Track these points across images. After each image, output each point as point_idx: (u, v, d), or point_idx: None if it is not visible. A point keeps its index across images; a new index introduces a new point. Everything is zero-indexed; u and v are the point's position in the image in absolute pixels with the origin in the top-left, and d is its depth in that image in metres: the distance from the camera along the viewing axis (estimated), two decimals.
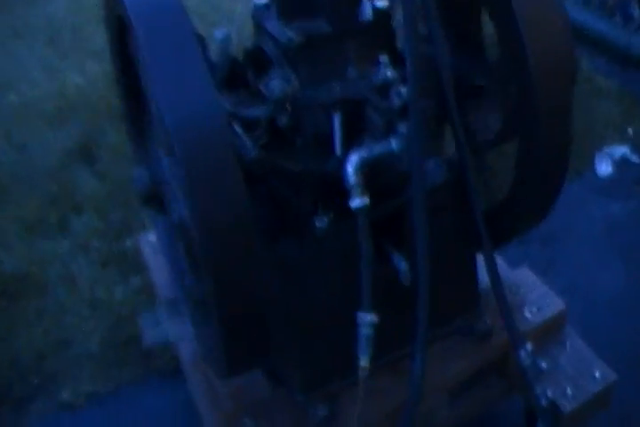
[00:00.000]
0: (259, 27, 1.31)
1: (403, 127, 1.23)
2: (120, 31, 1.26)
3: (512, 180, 1.39)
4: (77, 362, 2.09)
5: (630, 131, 2.73)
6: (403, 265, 1.33)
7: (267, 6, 1.30)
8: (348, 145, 1.26)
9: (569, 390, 1.54)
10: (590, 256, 2.31)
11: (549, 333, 1.63)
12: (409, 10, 1.13)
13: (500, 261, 1.59)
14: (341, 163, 1.22)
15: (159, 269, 1.83)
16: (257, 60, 1.30)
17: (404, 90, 1.20)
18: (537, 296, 1.66)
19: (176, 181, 1.15)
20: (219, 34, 1.21)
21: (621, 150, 2.65)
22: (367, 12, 1.24)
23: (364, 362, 1.21)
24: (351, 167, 1.20)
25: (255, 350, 1.23)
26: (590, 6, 3.23)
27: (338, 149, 1.26)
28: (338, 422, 1.41)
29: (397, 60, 1.25)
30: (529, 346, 1.45)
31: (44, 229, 2.51)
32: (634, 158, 2.63)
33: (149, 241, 1.94)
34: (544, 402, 1.47)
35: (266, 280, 1.13)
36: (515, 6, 1.17)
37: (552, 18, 1.21)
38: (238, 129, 1.20)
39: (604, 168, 2.62)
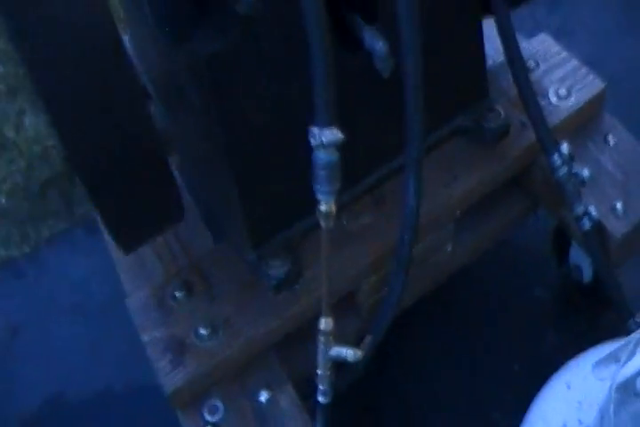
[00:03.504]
0: None
1: None
2: None
3: None
4: None
5: None
6: (379, 46, 0.82)
7: None
8: None
9: (619, 206, 1.11)
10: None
11: (586, 125, 1.17)
12: None
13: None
14: None
15: None
16: None
17: None
18: (565, 73, 1.17)
19: None
20: None
21: None
22: None
23: (325, 205, 0.73)
24: None
25: (159, 212, 0.82)
26: None
27: None
28: (303, 283, 0.99)
29: None
30: (565, 147, 1.04)
31: None
32: None
33: None
34: (587, 225, 1.06)
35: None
36: None
37: None
38: None
39: None
